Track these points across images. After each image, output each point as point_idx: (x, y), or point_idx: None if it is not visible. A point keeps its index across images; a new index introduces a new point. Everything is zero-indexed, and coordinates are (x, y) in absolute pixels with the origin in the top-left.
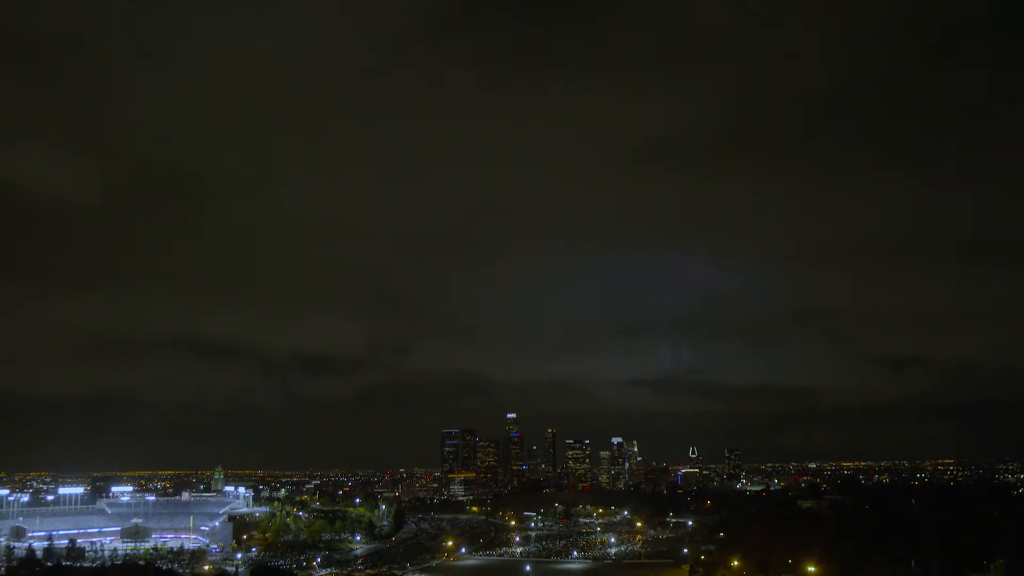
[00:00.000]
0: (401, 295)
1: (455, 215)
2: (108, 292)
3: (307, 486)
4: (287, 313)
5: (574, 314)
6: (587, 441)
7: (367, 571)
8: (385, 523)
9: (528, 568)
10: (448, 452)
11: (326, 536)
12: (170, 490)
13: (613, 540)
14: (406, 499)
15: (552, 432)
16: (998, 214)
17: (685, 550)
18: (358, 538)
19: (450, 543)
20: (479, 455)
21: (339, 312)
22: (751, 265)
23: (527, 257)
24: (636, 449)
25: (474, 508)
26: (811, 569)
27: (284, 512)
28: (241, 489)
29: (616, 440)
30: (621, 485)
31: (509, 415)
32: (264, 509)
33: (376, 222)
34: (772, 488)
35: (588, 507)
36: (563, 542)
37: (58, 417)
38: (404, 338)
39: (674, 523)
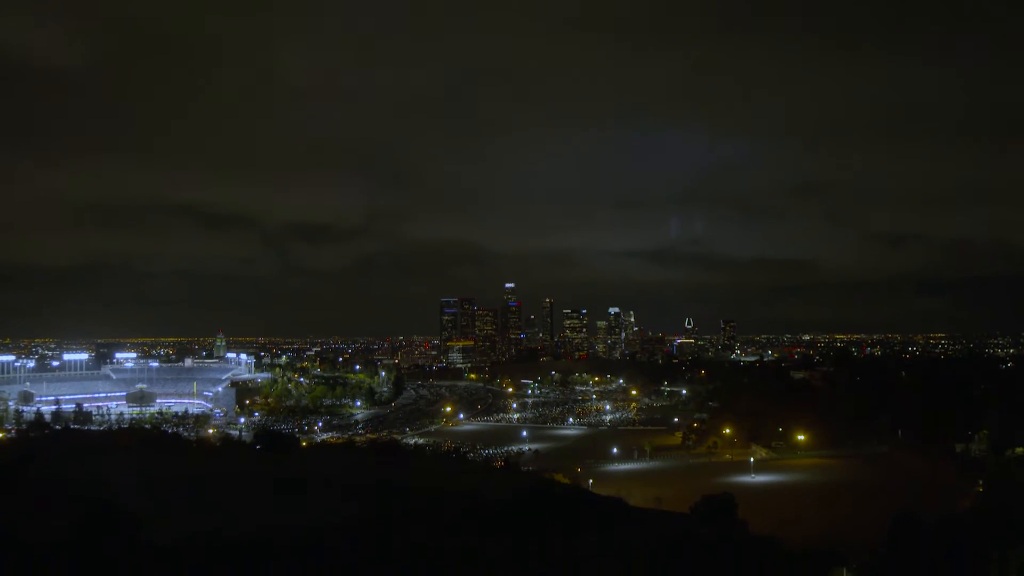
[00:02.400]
0: (400, 164)
1: (455, 82)
2: (105, 160)
3: (307, 353)
4: (285, 182)
5: (572, 187)
6: (584, 311)
7: (367, 435)
8: (385, 389)
9: (525, 433)
10: (447, 320)
11: (327, 402)
12: (173, 356)
13: (608, 407)
14: (405, 366)
15: (549, 302)
16: (997, 89)
17: (677, 418)
18: (358, 404)
19: (448, 409)
20: (477, 324)
21: (338, 180)
22: (750, 139)
23: (526, 128)
24: (633, 319)
25: (472, 375)
26: (801, 437)
27: (285, 378)
28: (243, 356)
29: (613, 310)
30: (617, 354)
31: (507, 285)
32: (265, 375)
33: (375, 89)
34: (766, 359)
35: (584, 375)
36: (559, 409)
37: (59, 285)
38: (402, 207)
39: (668, 392)
